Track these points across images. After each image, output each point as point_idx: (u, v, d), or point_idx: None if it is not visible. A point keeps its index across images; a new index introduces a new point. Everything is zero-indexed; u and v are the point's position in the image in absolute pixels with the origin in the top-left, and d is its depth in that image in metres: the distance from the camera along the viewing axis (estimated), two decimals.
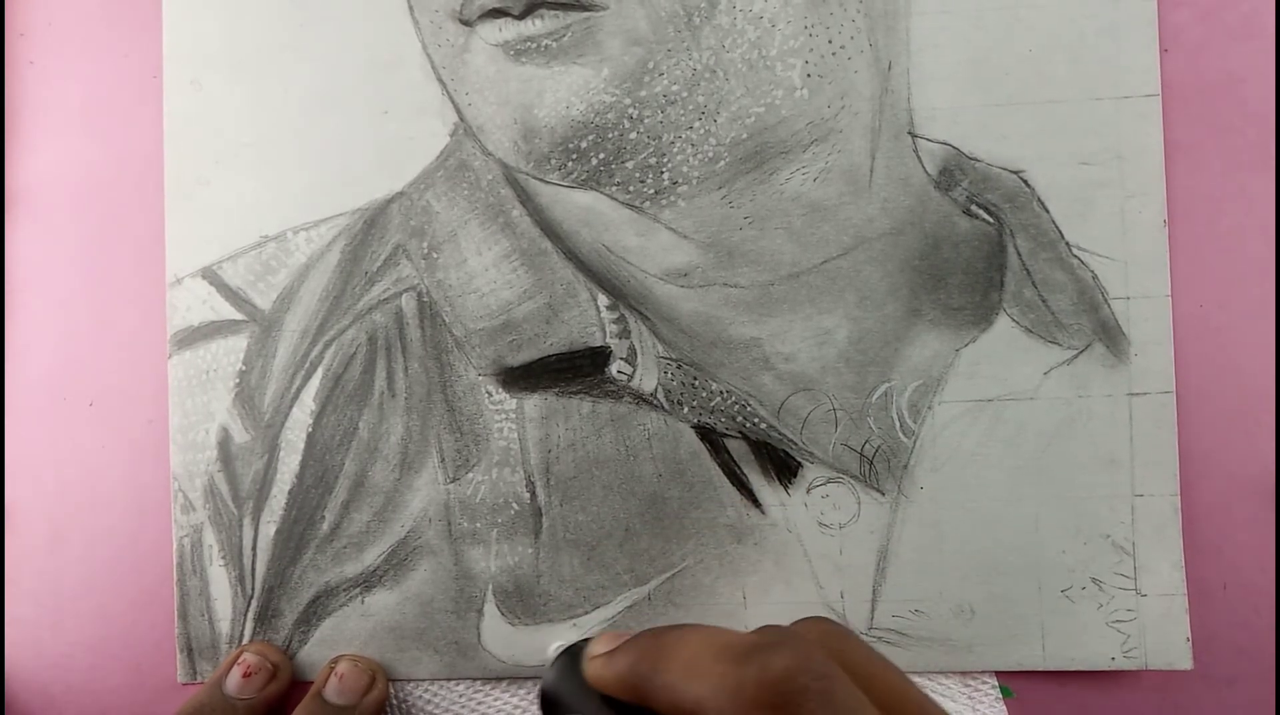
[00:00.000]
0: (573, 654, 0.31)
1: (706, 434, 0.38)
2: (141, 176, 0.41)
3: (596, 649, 0.29)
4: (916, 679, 0.38)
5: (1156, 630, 0.37)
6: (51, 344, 0.42)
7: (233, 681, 0.37)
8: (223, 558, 0.40)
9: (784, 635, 0.26)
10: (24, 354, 0.42)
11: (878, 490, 0.38)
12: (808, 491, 0.38)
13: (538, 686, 0.33)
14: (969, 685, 0.38)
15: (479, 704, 0.39)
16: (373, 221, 0.39)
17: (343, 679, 0.37)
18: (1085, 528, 0.37)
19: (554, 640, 0.39)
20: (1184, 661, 0.37)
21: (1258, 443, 0.38)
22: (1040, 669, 0.38)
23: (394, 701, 0.40)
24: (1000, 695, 0.38)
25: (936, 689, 0.38)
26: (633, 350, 0.39)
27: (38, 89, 0.42)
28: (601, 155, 0.38)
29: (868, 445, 0.38)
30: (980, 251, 0.38)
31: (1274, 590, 0.38)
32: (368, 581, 0.39)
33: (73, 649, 0.41)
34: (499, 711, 0.39)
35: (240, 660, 0.38)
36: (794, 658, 0.24)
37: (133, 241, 0.41)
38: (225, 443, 0.40)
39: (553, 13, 0.37)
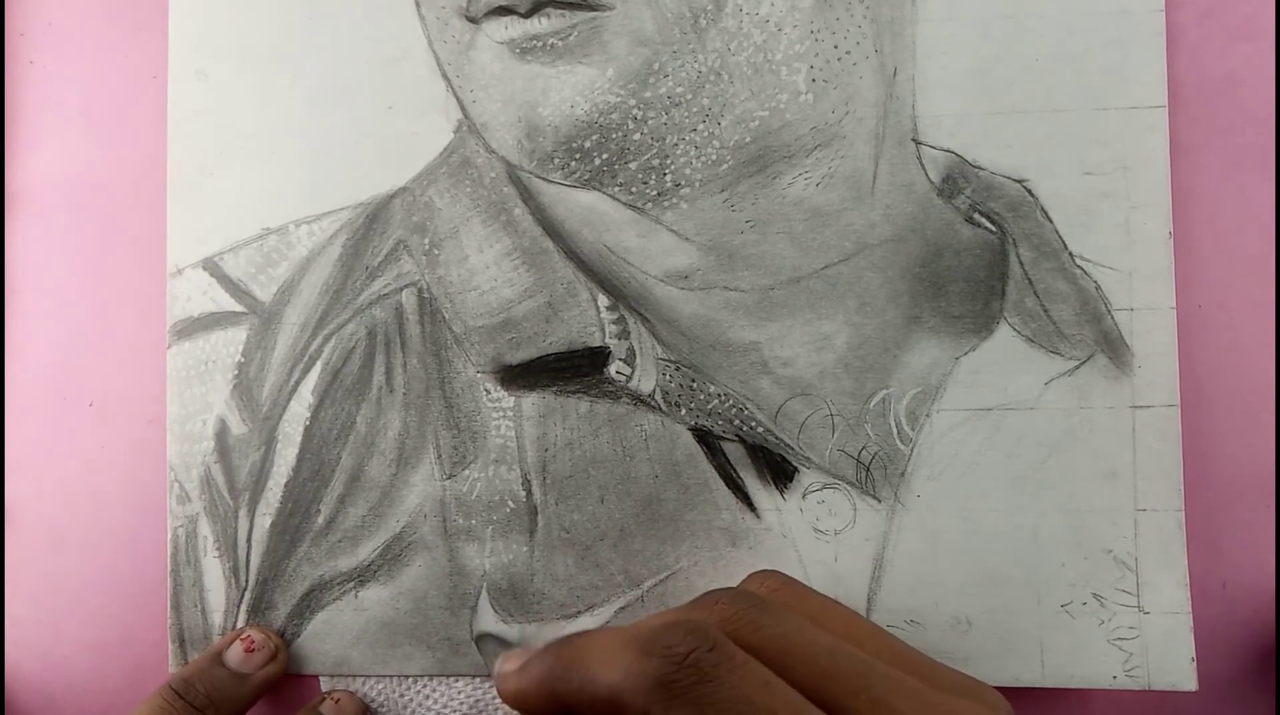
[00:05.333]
0: None
1: (703, 436, 0.38)
2: (141, 178, 0.41)
3: (507, 666, 0.29)
4: None
5: (1160, 649, 0.36)
6: (51, 344, 0.42)
7: (234, 655, 0.37)
8: (217, 549, 0.40)
9: (684, 611, 0.28)
10: (24, 354, 0.42)
11: (874, 497, 0.38)
12: (803, 497, 0.38)
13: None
14: None
15: (473, 706, 0.39)
16: (375, 216, 0.40)
17: (339, 704, 0.38)
18: (1086, 541, 0.37)
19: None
20: (1189, 682, 0.36)
21: (1262, 456, 0.37)
22: (1038, 685, 0.37)
23: (385, 698, 0.39)
24: None
25: None
26: (632, 351, 0.38)
27: (38, 89, 0.42)
28: (605, 155, 0.38)
29: (865, 452, 0.38)
30: (982, 260, 0.37)
31: (1274, 590, 0.37)
32: (362, 576, 0.39)
33: (73, 649, 0.41)
34: (494, 710, 0.39)
35: (243, 635, 0.38)
36: (688, 633, 0.25)
37: (132, 243, 0.41)
38: (222, 434, 0.40)
39: (559, 11, 0.37)
